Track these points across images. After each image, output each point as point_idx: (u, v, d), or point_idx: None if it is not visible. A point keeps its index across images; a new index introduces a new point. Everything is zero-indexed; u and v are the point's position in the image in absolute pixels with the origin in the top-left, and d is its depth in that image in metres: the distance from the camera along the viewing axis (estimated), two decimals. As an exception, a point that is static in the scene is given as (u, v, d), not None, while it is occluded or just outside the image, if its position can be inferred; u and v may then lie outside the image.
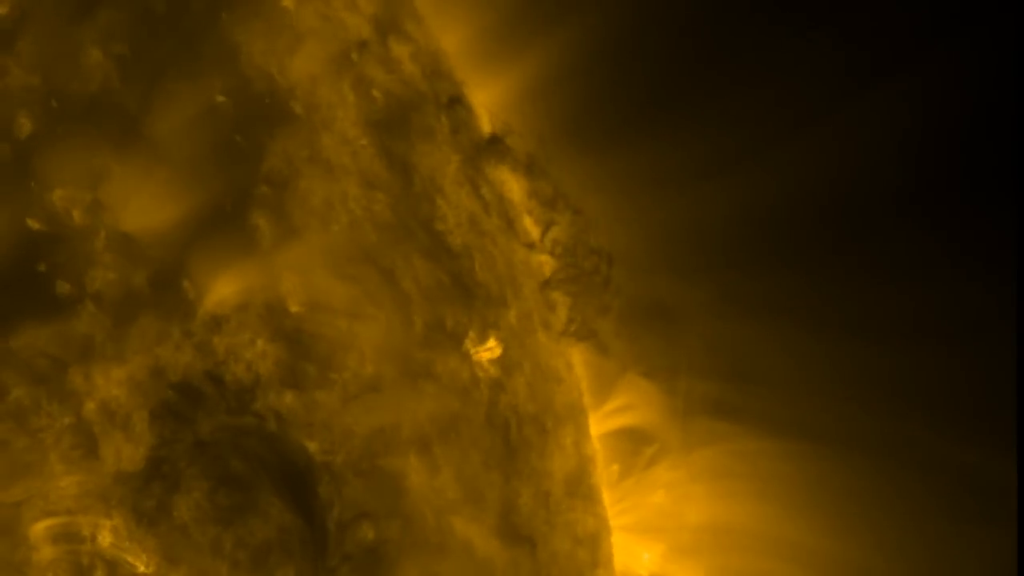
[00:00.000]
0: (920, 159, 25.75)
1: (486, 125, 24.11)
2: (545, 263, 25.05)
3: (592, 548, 24.57)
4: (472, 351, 21.51)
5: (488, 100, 24.29)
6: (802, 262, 26.37)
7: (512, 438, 22.16)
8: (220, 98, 18.94)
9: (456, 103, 23.45)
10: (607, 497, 26.07)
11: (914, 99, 25.05)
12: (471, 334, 21.51)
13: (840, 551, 26.15)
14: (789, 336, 26.71)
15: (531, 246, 24.79)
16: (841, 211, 26.05)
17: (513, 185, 24.50)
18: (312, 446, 18.64)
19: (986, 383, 25.60)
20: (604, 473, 26.17)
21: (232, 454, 17.97)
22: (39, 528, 16.78)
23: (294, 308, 18.94)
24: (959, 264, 25.48)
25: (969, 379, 25.75)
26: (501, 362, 22.01)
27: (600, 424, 26.31)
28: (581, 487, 24.61)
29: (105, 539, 17.08)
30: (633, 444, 26.59)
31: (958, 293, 25.63)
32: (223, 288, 18.37)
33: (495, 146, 23.93)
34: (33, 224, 17.32)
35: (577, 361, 25.94)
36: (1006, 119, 25.20)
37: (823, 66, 25.18)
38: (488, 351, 21.76)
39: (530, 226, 24.96)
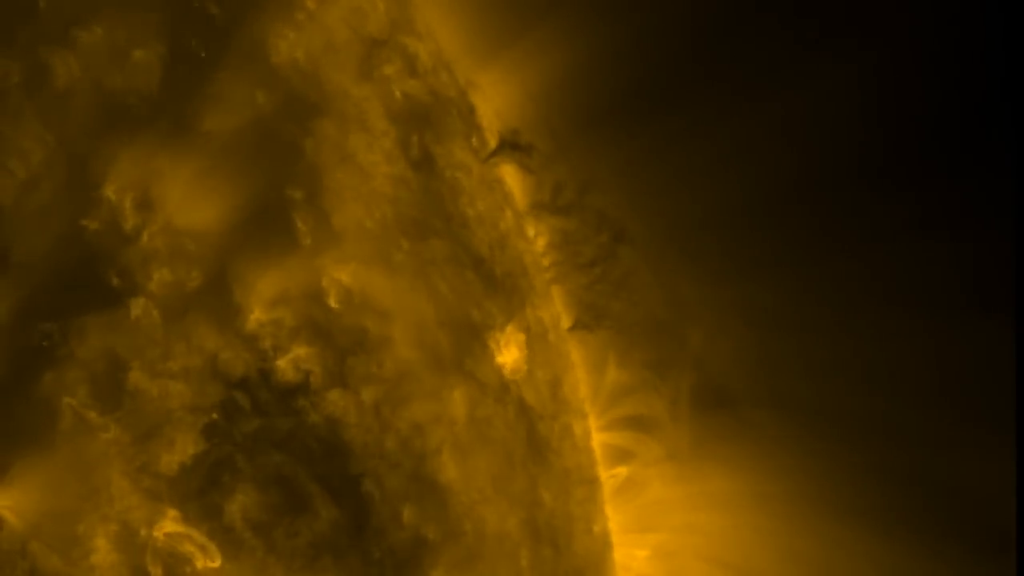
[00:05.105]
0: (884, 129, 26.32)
1: (498, 123, 24.87)
2: (554, 261, 25.83)
3: (603, 544, 25.49)
4: (497, 348, 22.37)
5: (499, 98, 25.05)
6: (798, 259, 26.90)
7: (535, 436, 23.11)
8: (259, 96, 19.66)
9: (470, 100, 24.26)
10: (606, 493, 26.84)
11: (872, 66, 25.74)
12: (496, 331, 22.40)
13: (833, 555, 26.83)
14: (789, 335, 27.26)
15: (541, 244, 25.57)
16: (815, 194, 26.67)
17: (523, 183, 25.31)
18: (356, 443, 19.41)
19: (967, 357, 26.11)
20: (605, 470, 26.91)
21: (281, 452, 18.76)
22: (97, 528, 17.35)
23: (336, 305, 19.70)
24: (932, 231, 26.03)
25: (954, 355, 26.24)
26: (524, 359, 22.88)
27: (602, 421, 27.02)
28: (593, 484, 25.53)
29: (161, 539, 17.70)
30: (632, 442, 27.23)
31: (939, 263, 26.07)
32: (268, 286, 19.19)
33: (507, 144, 24.73)
34: (89, 224, 17.92)
35: (581, 357, 26.68)
36: (966, 85, 25.99)
37: (777, 38, 25.97)
38: (512, 348, 22.64)
39: (540, 224, 25.71)
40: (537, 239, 25.84)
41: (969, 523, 26.16)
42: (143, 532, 17.61)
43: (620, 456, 27.28)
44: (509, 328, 22.86)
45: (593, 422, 26.96)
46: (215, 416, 18.30)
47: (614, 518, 26.95)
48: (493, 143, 24.92)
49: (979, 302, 25.93)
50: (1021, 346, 24.56)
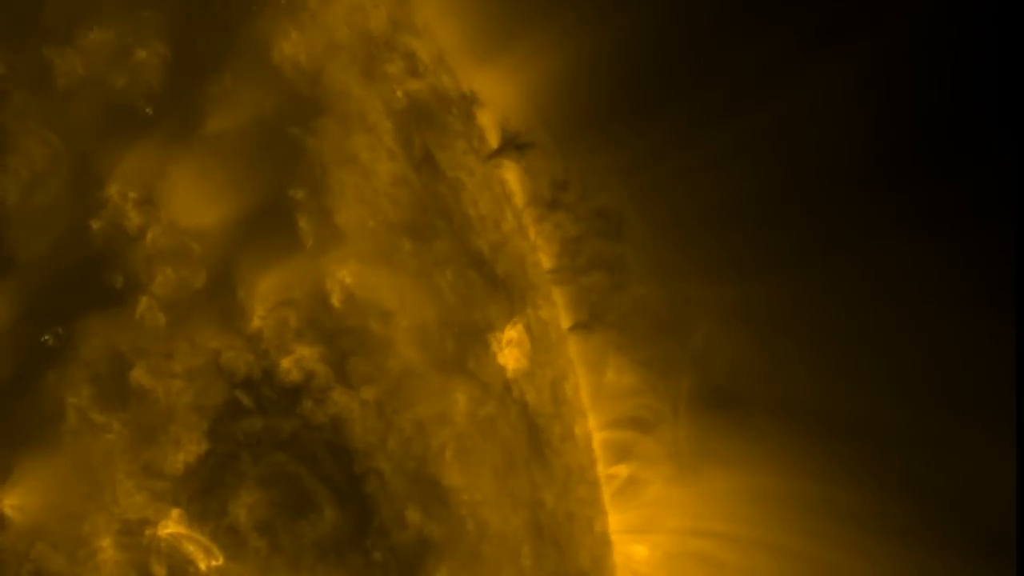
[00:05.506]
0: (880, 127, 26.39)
1: (499, 122, 24.94)
2: (555, 261, 25.90)
3: (604, 544, 25.55)
4: (499, 349, 22.44)
5: (500, 98, 25.12)
6: (797, 259, 26.90)
7: (536, 436, 23.19)
8: (262, 96, 19.74)
9: (471, 101, 24.34)
10: (606, 493, 26.90)
11: (868, 66, 25.82)
12: (498, 332, 22.46)
13: (832, 556, 26.87)
14: (789, 335, 27.27)
15: (541, 244, 25.64)
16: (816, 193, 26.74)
17: (524, 183, 25.38)
18: (359, 442, 19.47)
19: (967, 357, 26.10)
20: (605, 469, 26.97)
21: (286, 452, 18.83)
22: (101, 528, 17.40)
23: (338, 305, 19.76)
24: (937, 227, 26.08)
25: (955, 355, 26.23)
26: (526, 360, 22.95)
27: (602, 421, 27.07)
28: (594, 484, 25.61)
29: (165, 538, 17.76)
30: (632, 442, 27.28)
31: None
32: (271, 286, 19.28)
33: (508, 144, 24.80)
34: (93, 224, 17.98)
35: (581, 357, 26.74)
36: (964, 84, 26.16)
37: (776, 40, 26.15)
38: (514, 348, 22.71)
39: (540, 224, 25.77)
40: (538, 239, 25.91)
41: (969, 525, 26.22)
42: (147, 532, 17.68)
43: (620, 456, 27.33)
44: (511, 328, 22.94)
45: (593, 422, 27.03)
46: (219, 416, 18.38)
47: (614, 518, 27.01)
48: (494, 143, 25.02)
49: (979, 301, 26.02)
50: (1021, 346, 24.63)
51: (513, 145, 25.09)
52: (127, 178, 18.30)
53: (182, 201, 18.63)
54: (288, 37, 20.63)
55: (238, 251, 18.97)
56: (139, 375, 17.82)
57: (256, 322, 19.02)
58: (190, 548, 17.91)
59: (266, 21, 20.48)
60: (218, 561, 18.02)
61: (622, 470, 27.29)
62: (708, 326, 27.30)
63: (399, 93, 22.51)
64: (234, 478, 18.34)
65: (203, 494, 18.12)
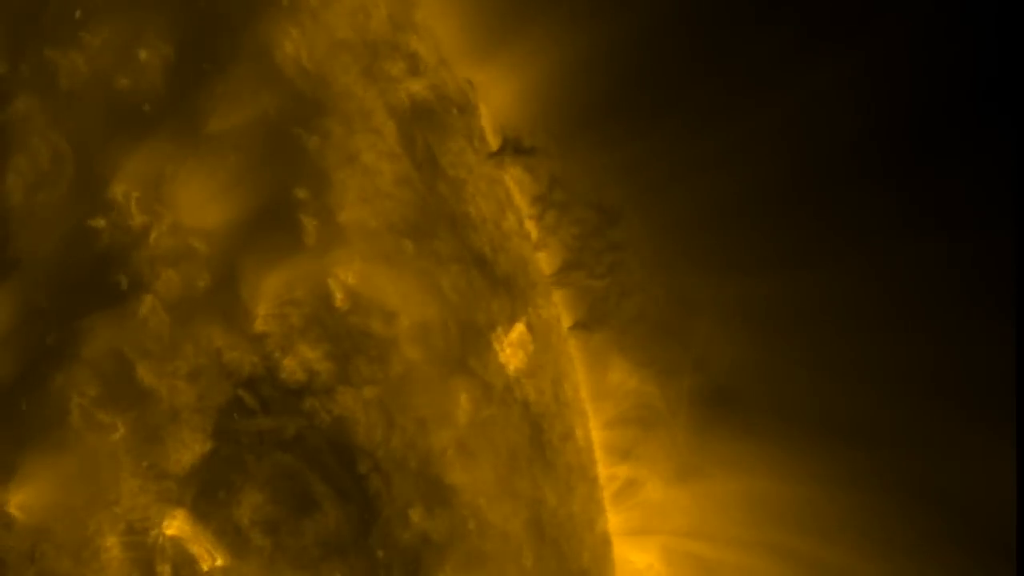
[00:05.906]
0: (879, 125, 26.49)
1: (499, 122, 25.02)
2: (555, 261, 25.98)
3: (604, 543, 25.67)
4: (501, 348, 22.54)
5: (499, 97, 25.21)
6: (798, 259, 26.97)
7: (538, 436, 23.30)
8: (265, 96, 19.86)
9: (471, 99, 24.43)
10: (606, 493, 26.97)
11: (867, 66, 25.93)
12: (499, 331, 22.56)
13: (827, 556, 26.94)
14: (790, 335, 27.31)
15: (542, 244, 25.72)
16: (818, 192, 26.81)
17: (524, 182, 25.47)
18: (362, 442, 19.58)
19: (967, 358, 26.18)
20: (605, 469, 27.06)
21: (289, 451, 18.94)
22: (106, 528, 17.50)
23: (341, 305, 19.87)
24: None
25: (955, 355, 26.28)
26: (527, 359, 23.05)
27: (602, 421, 27.14)
28: (594, 484, 25.73)
29: (169, 538, 17.87)
30: (633, 441, 27.34)
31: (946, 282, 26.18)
32: (274, 286, 19.40)
33: (509, 143, 24.89)
34: (98, 224, 18.08)
35: (582, 357, 26.80)
36: (963, 84, 26.24)
37: (775, 39, 26.28)
38: (516, 348, 22.82)
39: (540, 223, 25.85)
40: (538, 239, 26.01)
41: (969, 526, 26.28)
42: (152, 532, 17.81)
43: (621, 456, 27.40)
44: (512, 328, 23.05)
45: (593, 421, 27.10)
46: (223, 416, 18.49)
47: (614, 518, 27.08)
48: (494, 142, 25.12)
49: (979, 301, 26.10)
50: (1021, 346, 24.72)
51: (513, 145, 25.19)
52: (131, 178, 18.43)
53: (186, 201, 18.76)
54: (290, 37, 20.74)
55: (241, 251, 19.10)
56: (143, 375, 17.94)
57: (259, 322, 19.15)
58: (194, 548, 18.04)
59: (269, 21, 20.60)
60: (222, 560, 18.15)
61: (622, 470, 27.35)
62: (708, 326, 27.36)
63: (401, 93, 22.62)
64: (238, 478, 18.47)
65: (207, 494, 18.24)
